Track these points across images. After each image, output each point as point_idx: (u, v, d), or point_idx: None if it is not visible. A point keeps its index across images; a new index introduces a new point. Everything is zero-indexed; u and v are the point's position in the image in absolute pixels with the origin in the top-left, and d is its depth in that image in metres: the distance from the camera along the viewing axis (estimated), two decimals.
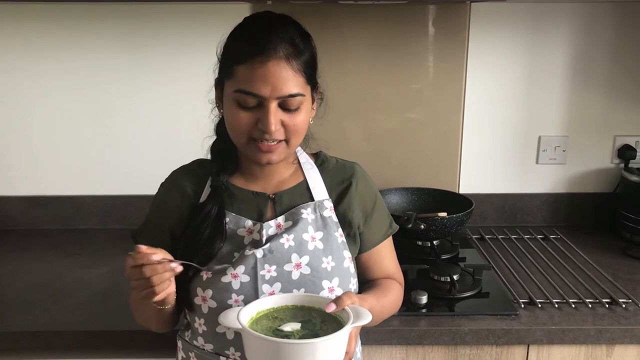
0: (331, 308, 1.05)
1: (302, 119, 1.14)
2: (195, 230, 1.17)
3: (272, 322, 1.06)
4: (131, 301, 1.20)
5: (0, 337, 1.42)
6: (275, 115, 1.10)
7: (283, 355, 0.97)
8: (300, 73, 1.11)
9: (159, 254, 1.02)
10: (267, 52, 1.08)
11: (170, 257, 1.04)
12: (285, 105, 1.11)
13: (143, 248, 1.01)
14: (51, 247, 1.94)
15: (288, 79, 1.09)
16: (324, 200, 1.24)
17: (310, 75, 1.15)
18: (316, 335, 1.02)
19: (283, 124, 1.12)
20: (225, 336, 1.15)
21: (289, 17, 1.16)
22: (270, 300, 1.10)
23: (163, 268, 1.02)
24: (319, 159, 1.30)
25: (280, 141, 1.14)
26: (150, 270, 1.01)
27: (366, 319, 1.04)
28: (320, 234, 1.20)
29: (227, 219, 1.19)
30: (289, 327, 1.04)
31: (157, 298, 1.04)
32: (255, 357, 1.03)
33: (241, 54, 1.10)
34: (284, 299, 1.12)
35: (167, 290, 1.05)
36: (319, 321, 1.07)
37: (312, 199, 1.24)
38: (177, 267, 1.04)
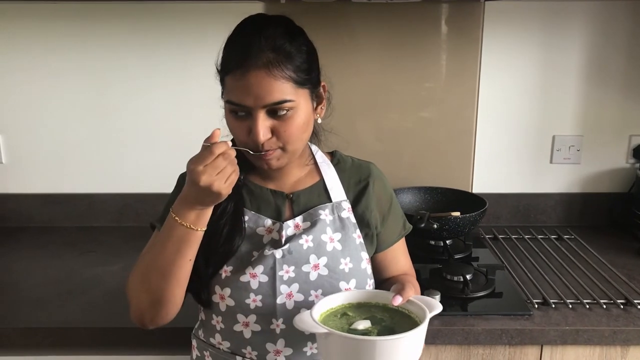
0: (398, 301, 1.06)
1: (295, 124, 1.11)
2: (214, 226, 1.15)
3: (339, 322, 1.05)
4: (147, 262, 1.16)
5: (15, 333, 1.43)
6: (263, 124, 1.08)
7: (379, 353, 0.95)
8: (285, 79, 1.07)
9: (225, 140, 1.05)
10: (247, 62, 1.05)
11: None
12: (274, 112, 1.09)
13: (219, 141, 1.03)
14: (66, 245, 1.96)
15: (270, 87, 1.06)
16: (341, 201, 1.24)
17: (304, 78, 1.11)
18: (392, 329, 1.01)
19: (275, 132, 1.10)
20: (242, 335, 1.16)
21: (279, 18, 1.13)
22: (328, 301, 1.09)
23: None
24: (335, 159, 1.30)
25: (275, 149, 1.12)
26: (230, 156, 1.04)
27: (438, 308, 1.05)
28: (338, 235, 1.20)
29: (247, 217, 1.19)
30: (361, 325, 1.03)
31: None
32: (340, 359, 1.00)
33: (227, 64, 1.10)
34: (337, 298, 1.10)
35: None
36: (387, 316, 1.06)
37: (329, 200, 1.23)
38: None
